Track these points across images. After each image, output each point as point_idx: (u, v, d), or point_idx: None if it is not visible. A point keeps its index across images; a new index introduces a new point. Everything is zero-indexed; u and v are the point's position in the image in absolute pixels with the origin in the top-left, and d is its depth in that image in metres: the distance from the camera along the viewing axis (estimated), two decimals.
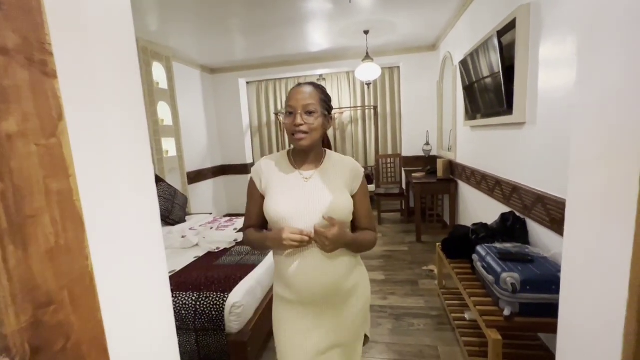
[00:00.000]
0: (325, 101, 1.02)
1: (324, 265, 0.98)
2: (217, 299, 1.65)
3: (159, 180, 3.28)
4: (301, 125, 0.96)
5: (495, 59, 2.03)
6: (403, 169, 4.76)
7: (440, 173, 3.67)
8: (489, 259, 1.61)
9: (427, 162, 4.33)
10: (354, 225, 1.09)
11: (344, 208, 0.99)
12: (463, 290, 1.73)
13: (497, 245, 1.75)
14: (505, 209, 2.14)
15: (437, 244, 2.42)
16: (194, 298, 1.67)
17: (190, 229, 3.03)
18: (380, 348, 1.97)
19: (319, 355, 1.02)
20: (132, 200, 0.54)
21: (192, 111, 4.48)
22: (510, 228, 1.91)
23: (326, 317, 1.03)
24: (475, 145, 2.85)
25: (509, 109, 1.98)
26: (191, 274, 1.95)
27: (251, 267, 2.03)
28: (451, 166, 3.66)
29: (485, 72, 2.25)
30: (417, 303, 2.46)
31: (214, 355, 1.62)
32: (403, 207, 4.67)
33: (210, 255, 2.34)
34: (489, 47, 2.13)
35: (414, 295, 2.58)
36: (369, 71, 3.60)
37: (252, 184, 1.08)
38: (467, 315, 2.04)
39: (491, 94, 2.21)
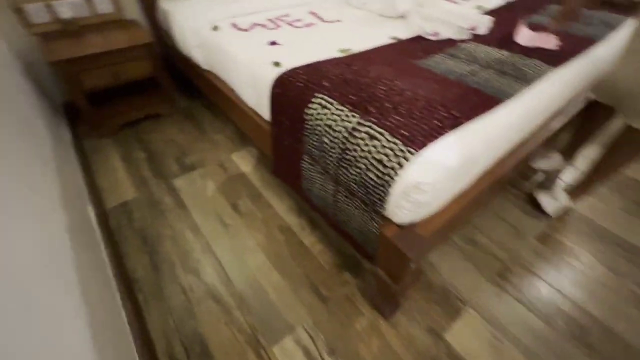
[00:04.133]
0: None
1: None
2: (389, 150, 0.72)
3: None
4: None
5: None
6: None
7: None
8: None
9: None
10: None
11: None
12: None
13: None
14: None
15: None
16: (348, 125, 0.80)
17: None
18: None
19: None
20: None
21: None
22: None
23: None
24: None
25: None
26: (369, 67, 1.00)
27: (490, 100, 0.88)
28: None
29: None
30: None
31: (356, 233, 0.91)
32: None
33: (417, 43, 1.24)
34: None
35: None
36: None
37: None
38: None
39: None
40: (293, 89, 0.94)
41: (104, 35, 1.59)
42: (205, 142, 1.68)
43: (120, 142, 1.68)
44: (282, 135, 1.05)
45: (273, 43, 1.20)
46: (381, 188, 0.73)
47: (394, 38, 1.28)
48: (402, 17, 1.47)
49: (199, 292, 1.07)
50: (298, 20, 1.43)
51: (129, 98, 1.78)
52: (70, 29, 1.59)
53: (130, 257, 1.17)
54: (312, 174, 0.98)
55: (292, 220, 1.30)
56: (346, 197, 0.86)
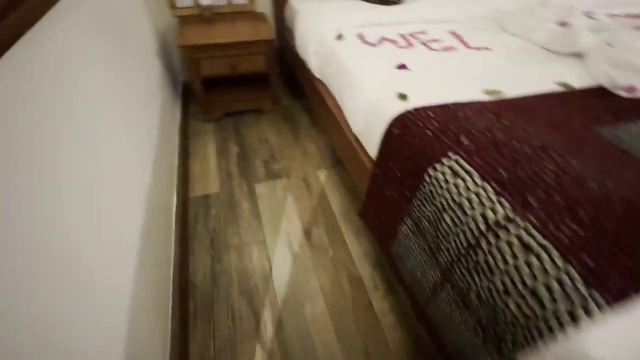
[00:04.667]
0: None
1: None
2: (556, 284, 0.46)
3: None
4: None
5: None
6: None
7: None
8: None
9: None
10: None
11: None
12: None
13: None
14: None
15: None
16: (489, 214, 0.56)
17: (589, 15, 1.38)
18: None
19: None
20: None
21: None
22: None
23: None
24: None
25: None
26: (527, 126, 0.73)
27: None
28: None
29: None
30: None
31: (450, 345, 0.67)
32: None
33: (599, 99, 0.89)
34: None
35: None
36: None
37: None
38: None
39: None
40: (418, 135, 0.74)
41: (233, 25, 1.61)
42: (296, 149, 1.60)
43: (221, 130, 1.71)
44: (384, 182, 0.85)
45: (402, 67, 1.00)
46: (525, 333, 0.48)
47: (563, 85, 0.96)
48: (577, 55, 1.11)
49: (247, 325, 0.96)
50: (435, 40, 1.19)
51: (237, 88, 1.80)
52: (205, 15, 1.65)
53: (196, 258, 1.13)
54: (410, 244, 0.76)
55: (366, 271, 1.10)
56: (454, 301, 0.63)
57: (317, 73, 1.34)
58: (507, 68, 1.03)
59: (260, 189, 1.39)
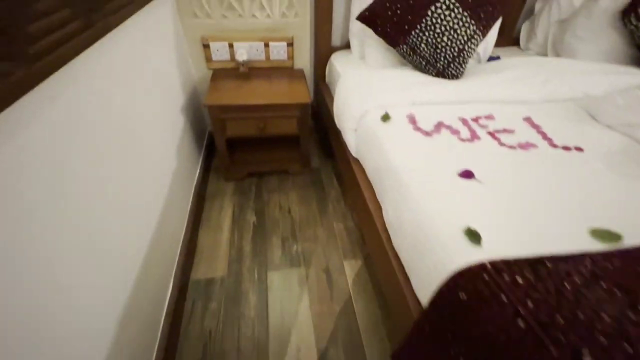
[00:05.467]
0: None
1: None
2: None
3: None
4: None
5: None
6: None
7: None
8: None
9: None
10: None
11: None
12: None
13: None
14: None
15: None
16: None
17: None
18: None
19: None
20: None
21: None
22: None
23: None
24: None
25: None
26: None
27: None
28: None
29: None
30: None
31: None
32: None
33: None
34: None
35: None
36: None
37: None
38: None
39: None
40: (502, 325, 0.48)
41: (268, 83, 1.48)
42: (321, 226, 1.37)
43: (241, 191, 1.54)
44: (438, 354, 0.59)
45: (467, 174, 0.76)
46: None
47: None
48: None
49: None
50: (507, 131, 0.95)
51: (264, 147, 1.65)
52: (240, 70, 1.55)
53: None
54: None
55: None
56: None
57: (353, 151, 1.14)
58: (614, 185, 0.76)
59: (273, 278, 1.17)
